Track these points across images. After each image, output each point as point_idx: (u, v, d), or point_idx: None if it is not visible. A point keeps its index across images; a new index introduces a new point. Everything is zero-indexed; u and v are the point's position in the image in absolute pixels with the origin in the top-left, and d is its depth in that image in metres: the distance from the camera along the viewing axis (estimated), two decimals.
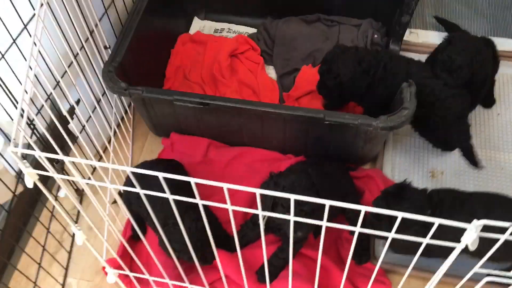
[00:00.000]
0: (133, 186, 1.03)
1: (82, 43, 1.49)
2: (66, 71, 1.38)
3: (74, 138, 1.58)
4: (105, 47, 1.67)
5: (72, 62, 1.39)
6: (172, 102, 1.53)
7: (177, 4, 2.10)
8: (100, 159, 1.69)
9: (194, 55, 2.05)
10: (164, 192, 0.93)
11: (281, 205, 1.32)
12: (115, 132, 1.76)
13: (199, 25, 2.21)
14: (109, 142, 1.70)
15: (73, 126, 1.36)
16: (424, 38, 2.06)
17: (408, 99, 1.46)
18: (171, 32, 2.10)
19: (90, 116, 1.59)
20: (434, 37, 2.05)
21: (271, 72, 2.02)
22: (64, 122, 1.32)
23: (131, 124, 1.89)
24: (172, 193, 1.18)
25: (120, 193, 1.57)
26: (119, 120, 1.78)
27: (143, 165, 1.61)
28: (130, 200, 1.52)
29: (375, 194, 1.63)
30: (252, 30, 2.17)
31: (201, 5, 2.21)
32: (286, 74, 1.97)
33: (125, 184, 1.55)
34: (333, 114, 1.46)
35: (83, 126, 1.60)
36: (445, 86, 1.59)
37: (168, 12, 2.04)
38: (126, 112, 1.87)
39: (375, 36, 1.99)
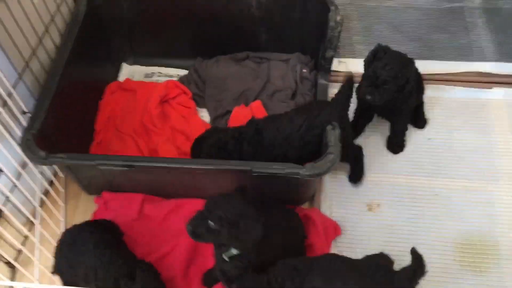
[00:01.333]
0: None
1: None
2: None
3: None
4: (24, 113, 1.60)
5: None
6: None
7: (103, 52, 2.06)
8: (30, 229, 1.62)
9: (124, 103, 2.00)
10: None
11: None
12: (45, 194, 1.69)
13: (129, 71, 2.16)
14: (41, 206, 1.63)
15: None
16: (353, 67, 2.08)
17: (332, 143, 1.46)
18: (98, 82, 2.04)
19: (15, 186, 1.53)
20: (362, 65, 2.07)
21: (204, 115, 2.00)
22: None
23: (64, 184, 1.82)
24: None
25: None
26: (48, 185, 1.71)
27: (71, 230, 1.55)
28: (62, 270, 1.47)
29: (313, 235, 1.63)
30: (184, 72, 2.14)
31: (129, 50, 2.15)
32: (219, 116, 1.95)
33: (56, 256, 1.48)
34: (260, 166, 1.44)
35: (7, 198, 1.53)
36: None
37: (93, 62, 1.99)
38: (56, 173, 1.80)
39: (304, 70, 2.00)
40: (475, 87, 2.00)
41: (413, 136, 1.89)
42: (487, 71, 2.04)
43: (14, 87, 1.54)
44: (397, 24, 2.25)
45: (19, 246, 1.45)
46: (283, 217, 1.55)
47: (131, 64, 2.19)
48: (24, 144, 1.49)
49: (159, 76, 2.14)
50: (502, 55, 2.10)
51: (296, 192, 1.64)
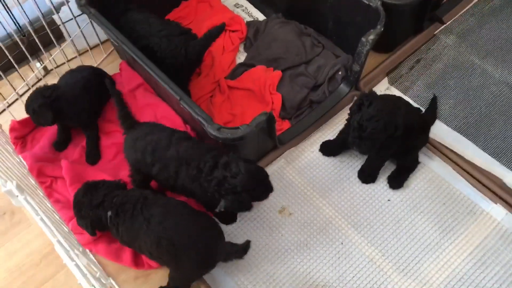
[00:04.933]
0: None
1: None
2: None
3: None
4: None
5: None
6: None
7: None
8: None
9: (199, 15, 2.28)
10: None
11: None
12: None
13: None
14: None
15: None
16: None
17: (252, 123, 1.52)
18: None
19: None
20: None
21: (241, 57, 2.16)
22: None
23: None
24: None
25: None
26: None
27: (82, 66, 2.00)
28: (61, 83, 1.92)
29: None
30: (263, 17, 2.29)
31: None
32: (246, 65, 2.09)
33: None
34: (189, 103, 1.60)
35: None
36: None
37: None
38: None
39: (339, 73, 1.97)
40: (483, 192, 1.72)
41: (378, 187, 1.77)
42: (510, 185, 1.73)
43: None
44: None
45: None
46: None
47: None
48: None
49: (243, 11, 2.33)
50: None
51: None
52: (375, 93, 1.62)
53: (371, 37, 1.70)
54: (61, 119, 1.81)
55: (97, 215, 1.51)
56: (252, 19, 2.29)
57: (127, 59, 2.07)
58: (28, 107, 1.75)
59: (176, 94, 1.61)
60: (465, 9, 2.21)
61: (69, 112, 1.80)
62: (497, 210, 1.69)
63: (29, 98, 1.77)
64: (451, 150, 1.82)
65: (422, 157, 1.81)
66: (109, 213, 1.50)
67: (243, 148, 1.70)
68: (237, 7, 2.35)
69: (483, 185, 1.74)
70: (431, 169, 1.79)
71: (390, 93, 1.98)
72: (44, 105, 1.73)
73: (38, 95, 1.75)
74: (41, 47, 2.01)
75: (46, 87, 1.79)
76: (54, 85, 1.84)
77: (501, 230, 1.66)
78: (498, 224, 1.67)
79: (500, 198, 1.71)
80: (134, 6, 1.98)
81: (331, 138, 1.88)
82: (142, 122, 1.72)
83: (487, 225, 1.67)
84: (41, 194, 1.76)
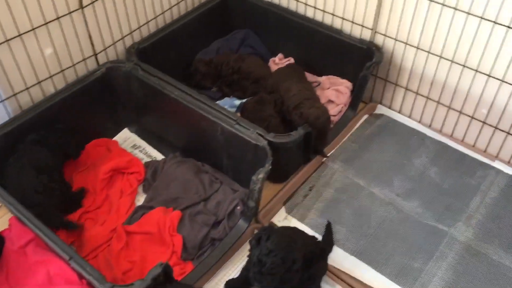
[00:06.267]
0: None
1: None
2: None
3: None
4: None
5: None
6: None
7: (107, 111, 2.36)
8: None
9: (97, 157, 2.28)
10: None
11: None
12: None
13: (125, 136, 2.43)
14: None
15: None
16: None
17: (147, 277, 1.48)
18: (94, 132, 2.36)
19: None
20: None
21: (140, 199, 2.15)
22: None
23: None
24: None
25: None
26: None
27: None
28: None
29: None
30: (161, 157, 2.34)
31: (135, 119, 2.44)
32: (145, 207, 2.08)
33: None
34: (80, 261, 1.54)
35: None
36: None
37: (91, 115, 2.29)
38: None
39: (238, 208, 2.02)
40: None
41: None
42: None
43: None
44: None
45: None
46: None
47: (132, 131, 2.47)
48: None
49: (141, 151, 2.38)
50: None
51: None
52: (273, 226, 1.66)
53: (261, 176, 1.80)
54: None
55: None
56: (150, 159, 2.33)
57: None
58: None
59: (65, 253, 1.55)
60: (346, 137, 2.42)
61: None
62: None
63: None
64: (350, 276, 1.87)
65: (324, 286, 1.84)
66: None
67: None
68: (135, 148, 2.40)
69: None
70: None
71: (288, 222, 2.05)
72: None
73: None
74: None
75: None
76: None
77: None
78: None
79: None
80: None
81: (235, 276, 1.87)
82: None
83: None
84: None
